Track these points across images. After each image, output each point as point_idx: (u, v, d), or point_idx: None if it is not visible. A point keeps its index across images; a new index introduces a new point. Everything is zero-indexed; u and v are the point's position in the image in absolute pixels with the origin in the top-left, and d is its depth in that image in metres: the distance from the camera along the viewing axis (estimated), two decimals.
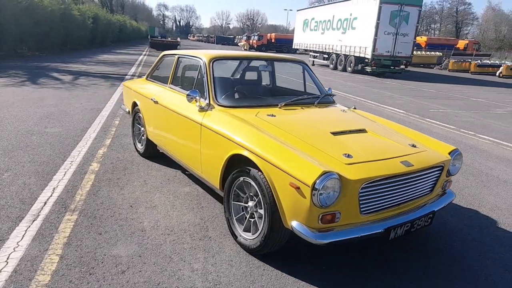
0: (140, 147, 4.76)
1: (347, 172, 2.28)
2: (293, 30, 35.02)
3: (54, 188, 3.64)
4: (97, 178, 3.96)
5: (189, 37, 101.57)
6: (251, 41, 54.02)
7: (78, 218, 3.09)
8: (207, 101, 3.29)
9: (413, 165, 2.54)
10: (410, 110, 9.80)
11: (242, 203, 2.85)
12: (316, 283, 2.44)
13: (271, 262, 2.63)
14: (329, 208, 2.24)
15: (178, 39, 42.60)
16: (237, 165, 2.79)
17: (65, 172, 4.08)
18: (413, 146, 2.88)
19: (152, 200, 3.53)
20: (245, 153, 2.61)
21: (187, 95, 3.28)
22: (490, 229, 3.42)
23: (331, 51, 25.13)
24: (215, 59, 3.53)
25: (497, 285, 2.57)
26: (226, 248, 2.79)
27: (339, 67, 24.03)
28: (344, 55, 23.41)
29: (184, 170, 4.31)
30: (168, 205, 3.46)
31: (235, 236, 2.85)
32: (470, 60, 28.45)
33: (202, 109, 3.26)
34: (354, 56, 22.34)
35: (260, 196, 2.57)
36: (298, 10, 31.63)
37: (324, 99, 3.75)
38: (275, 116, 3.08)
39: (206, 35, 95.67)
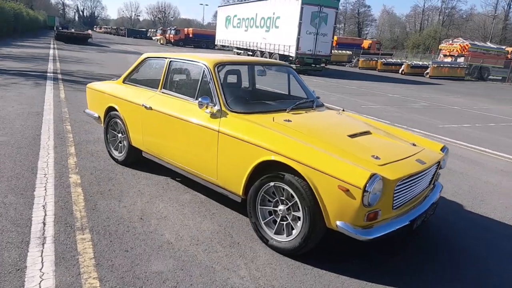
0: (118, 154, 4.50)
1: (384, 173, 2.53)
2: (209, 25, 34.60)
3: (43, 206, 3.31)
4: (86, 192, 3.68)
5: (95, 29, 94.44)
6: (167, 35, 52.50)
7: (92, 237, 2.88)
8: (217, 107, 3.27)
9: (426, 163, 2.90)
10: (347, 107, 10.62)
11: (271, 207, 2.95)
12: (357, 277, 2.66)
13: (307, 261, 2.77)
14: (373, 207, 2.47)
15: (89, 31, 39.53)
16: (265, 170, 2.87)
17: (45, 187, 3.71)
18: (414, 145, 3.25)
19: (160, 211, 3.41)
20: (280, 159, 2.70)
21: (199, 102, 3.24)
22: (456, 209, 4.00)
23: (255, 49, 25.69)
24: (219, 64, 3.52)
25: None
26: (259, 252, 2.86)
27: None
28: (269, 52, 24.11)
29: (174, 176, 4.21)
30: (179, 214, 3.38)
31: (265, 240, 2.93)
32: (376, 59, 31.44)
33: (214, 116, 3.25)
34: (278, 54, 23.14)
35: (297, 199, 2.69)
36: (219, 6, 31.66)
37: (318, 102, 3.97)
38: (291, 121, 3.21)
39: (115, 27, 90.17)
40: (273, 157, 2.74)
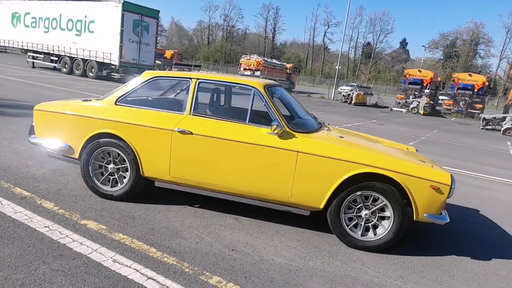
0: (112, 189, 3.84)
1: None
2: None
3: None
4: (157, 241, 3.13)
5: None
6: None
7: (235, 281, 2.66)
8: (281, 128, 3.45)
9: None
10: None
11: (354, 213, 3.43)
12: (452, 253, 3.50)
13: (397, 251, 3.41)
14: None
15: None
16: (352, 182, 3.34)
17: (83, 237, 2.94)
18: (407, 149, 4.34)
19: (239, 239, 3.31)
20: (377, 171, 3.25)
21: (277, 125, 3.36)
22: None
23: (62, 54, 22.72)
24: (268, 86, 3.69)
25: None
26: (354, 253, 3.31)
27: (77, 72, 22.20)
28: (82, 59, 21.86)
29: (192, 204, 3.98)
30: (257, 238, 3.38)
31: (356, 241, 3.39)
32: (188, 69, 32.95)
33: (284, 137, 3.43)
34: (96, 61, 21.33)
35: (386, 202, 3.31)
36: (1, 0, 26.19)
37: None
38: (343, 137, 3.75)
39: None
40: (369, 170, 3.25)
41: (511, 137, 16.76)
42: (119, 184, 3.87)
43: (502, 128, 17.79)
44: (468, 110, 26.79)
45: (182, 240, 3.18)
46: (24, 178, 4.16)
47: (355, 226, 3.45)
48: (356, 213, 3.43)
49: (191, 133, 3.55)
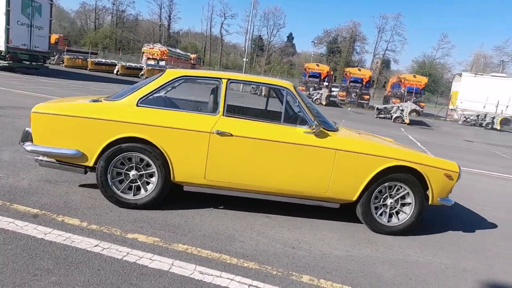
0: (136, 197, 3.55)
1: None
2: None
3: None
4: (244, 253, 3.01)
5: None
6: None
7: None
8: (318, 127, 3.62)
9: None
10: None
11: (380, 203, 3.82)
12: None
13: (416, 233, 3.90)
14: None
15: None
16: (381, 175, 3.72)
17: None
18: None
19: (291, 238, 3.42)
20: (405, 164, 3.66)
21: (315, 125, 3.52)
22: None
23: None
24: (294, 86, 3.80)
25: None
26: (386, 239, 3.71)
27: None
28: None
29: (213, 205, 3.92)
30: (305, 234, 3.53)
31: (384, 228, 3.78)
32: (82, 57, 29.99)
33: (320, 136, 3.62)
34: None
35: (409, 191, 3.76)
36: None
37: None
38: (360, 134, 4.10)
39: None
40: (398, 163, 3.65)
41: (401, 124, 19.48)
42: (142, 192, 3.59)
43: (393, 117, 20.56)
44: (359, 101, 30.13)
45: (241, 244, 3.16)
46: (12, 192, 3.55)
47: (381, 214, 3.84)
48: (382, 202, 3.82)
49: (231, 135, 3.49)
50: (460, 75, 27.41)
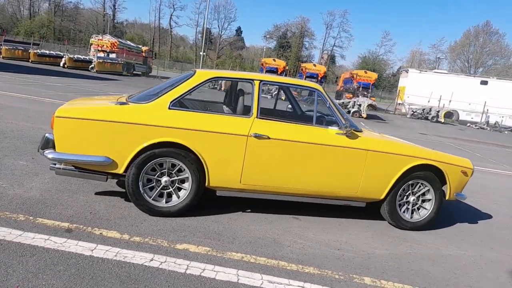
0: (168, 204, 3.38)
1: None
2: None
3: None
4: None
5: None
6: None
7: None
8: (349, 128, 3.68)
9: None
10: None
11: (403, 200, 3.96)
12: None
13: (433, 228, 4.10)
14: None
15: None
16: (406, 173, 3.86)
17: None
18: None
19: (331, 239, 3.44)
20: (429, 163, 3.82)
21: (347, 126, 3.57)
22: None
23: None
24: (322, 86, 3.82)
25: None
26: (413, 235, 3.87)
27: None
28: None
29: (239, 208, 3.85)
30: (348, 237, 3.58)
31: (408, 224, 3.93)
32: (23, 48, 27.63)
33: (352, 137, 3.68)
34: None
35: (430, 188, 3.94)
36: None
37: None
38: (382, 134, 4.22)
39: None
40: (423, 162, 3.81)
41: (358, 118, 20.29)
42: (174, 198, 3.42)
43: (351, 111, 21.37)
44: None
45: (289, 248, 3.13)
46: (27, 204, 3.22)
47: (404, 211, 3.99)
48: (405, 199, 3.97)
49: (268, 138, 3.42)
50: (407, 71, 29.11)
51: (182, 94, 3.40)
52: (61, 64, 26.20)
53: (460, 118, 27.21)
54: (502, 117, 26.66)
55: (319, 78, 30.54)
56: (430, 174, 3.89)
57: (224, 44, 72.98)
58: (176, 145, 3.29)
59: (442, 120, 24.72)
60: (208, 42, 73.48)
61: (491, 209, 5.26)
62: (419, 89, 27.23)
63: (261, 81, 3.60)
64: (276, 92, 4.87)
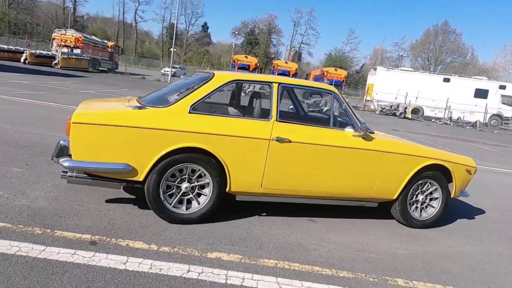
0: (188, 211, 3.28)
1: None
2: None
3: None
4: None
5: None
6: None
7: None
8: (364, 129, 3.72)
9: None
10: None
11: (413, 199, 4.06)
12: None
13: (440, 225, 4.23)
14: None
15: None
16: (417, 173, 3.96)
17: None
18: None
19: (350, 241, 3.46)
20: (438, 162, 3.94)
21: (363, 128, 3.61)
22: None
23: None
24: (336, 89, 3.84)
25: None
26: (425, 233, 3.98)
27: None
28: None
29: (254, 212, 3.81)
30: (368, 239, 3.61)
31: (417, 222, 4.03)
32: None
33: (367, 138, 3.72)
34: None
35: (438, 187, 4.06)
36: None
37: None
38: (390, 135, 4.29)
39: None
40: (433, 162, 3.91)
41: None
42: (194, 205, 3.32)
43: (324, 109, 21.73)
44: None
45: (316, 252, 3.13)
46: (38, 216, 3.02)
47: (413, 210, 4.09)
48: (414, 198, 4.07)
49: (290, 141, 3.39)
50: (375, 69, 29.99)
51: (202, 98, 3.30)
52: (22, 60, 24.83)
53: (425, 114, 28.37)
54: (463, 112, 28.05)
55: (290, 75, 30.79)
56: (438, 173, 4.01)
57: (192, 40, 71.91)
58: (197, 150, 3.19)
59: (410, 116, 25.69)
60: (176, 38, 72.16)
61: (479, 204, 5.50)
62: (387, 86, 28.12)
63: (279, 83, 3.56)
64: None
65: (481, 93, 28.68)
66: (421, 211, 4.11)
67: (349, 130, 3.69)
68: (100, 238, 2.81)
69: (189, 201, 3.33)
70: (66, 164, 2.94)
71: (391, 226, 4.03)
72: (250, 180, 3.39)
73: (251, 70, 30.03)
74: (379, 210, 4.15)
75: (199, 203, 3.33)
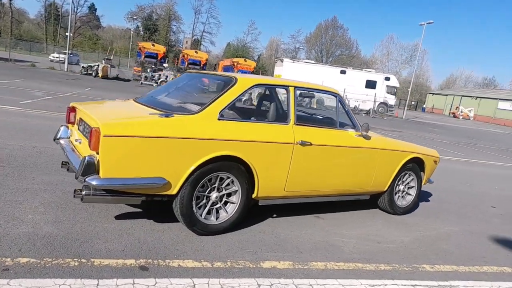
0: (217, 220, 3.16)
1: None
2: None
3: None
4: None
5: None
6: None
7: None
8: (364, 130, 3.98)
9: None
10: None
11: (396, 189, 4.50)
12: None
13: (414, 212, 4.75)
14: None
15: None
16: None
17: None
18: None
19: (363, 234, 3.71)
20: (417, 155, 4.43)
21: (364, 128, 3.87)
22: None
23: None
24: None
25: None
26: (410, 220, 4.45)
27: None
28: None
29: (268, 213, 3.84)
30: (377, 231, 3.88)
31: (399, 209, 4.48)
32: None
33: (366, 138, 3.99)
34: None
35: (414, 177, 4.57)
36: None
37: None
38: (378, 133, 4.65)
39: None
40: (414, 155, 4.38)
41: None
42: (223, 214, 3.20)
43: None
44: None
45: (346, 249, 3.29)
46: (60, 244, 2.61)
47: (397, 199, 4.53)
48: (396, 189, 4.51)
49: (311, 144, 3.46)
50: (282, 60, 31.31)
51: (229, 104, 3.15)
52: None
53: (325, 104, 30.76)
54: (357, 101, 31.13)
55: (201, 65, 30.32)
56: (415, 165, 4.50)
57: (81, 23, 65.44)
58: (228, 158, 3.06)
59: (315, 106, 27.55)
60: (61, 20, 64.79)
61: (426, 187, 6.31)
62: (293, 77, 29.64)
63: (295, 87, 3.58)
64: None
65: (371, 84, 32.09)
66: (402, 200, 4.58)
67: (351, 130, 3.90)
68: (146, 261, 2.54)
69: (216, 211, 3.18)
70: (94, 182, 2.55)
71: (380, 215, 4.41)
72: (275, 184, 3.38)
73: (159, 59, 28.69)
74: (359, 201, 4.44)
75: (227, 212, 3.21)
